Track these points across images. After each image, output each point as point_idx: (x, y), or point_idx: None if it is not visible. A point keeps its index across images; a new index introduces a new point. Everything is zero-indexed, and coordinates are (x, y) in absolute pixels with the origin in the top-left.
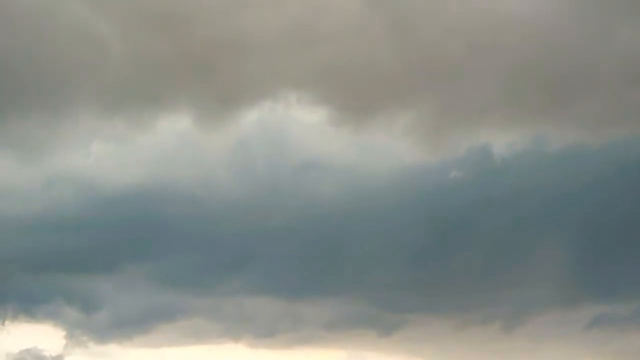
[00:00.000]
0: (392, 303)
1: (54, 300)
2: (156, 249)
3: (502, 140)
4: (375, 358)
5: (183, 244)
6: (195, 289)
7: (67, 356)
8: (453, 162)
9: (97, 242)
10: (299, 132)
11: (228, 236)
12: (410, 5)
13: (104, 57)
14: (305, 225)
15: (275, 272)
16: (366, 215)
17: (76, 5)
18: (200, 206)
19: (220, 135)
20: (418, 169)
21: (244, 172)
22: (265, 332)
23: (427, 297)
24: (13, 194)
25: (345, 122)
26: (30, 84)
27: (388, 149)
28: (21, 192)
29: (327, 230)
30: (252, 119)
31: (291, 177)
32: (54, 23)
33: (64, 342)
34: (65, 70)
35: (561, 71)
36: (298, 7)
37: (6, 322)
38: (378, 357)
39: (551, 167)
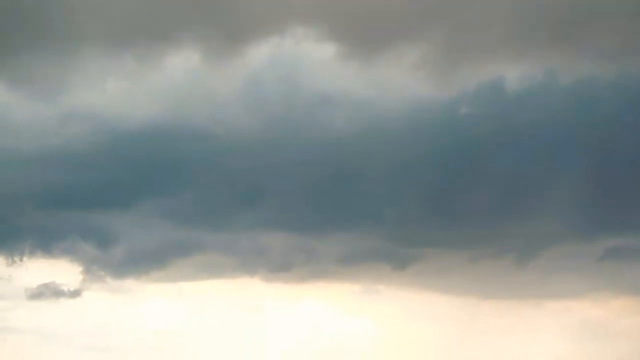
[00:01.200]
0: (405, 237)
1: (71, 236)
2: (171, 185)
3: (513, 75)
4: (389, 291)
5: (197, 179)
6: (210, 224)
7: (85, 290)
8: (465, 94)
9: (112, 178)
10: (307, 67)
11: (242, 171)
12: None
13: None
14: (318, 160)
15: (290, 207)
16: (379, 150)
17: None
18: (213, 142)
19: (230, 71)
20: (429, 103)
21: (255, 107)
22: (280, 266)
23: (440, 231)
24: (28, 131)
25: (353, 57)
26: (39, 22)
27: (398, 84)
28: (36, 130)
29: (339, 165)
30: (260, 55)
31: (302, 112)
32: None
33: (81, 277)
34: (72, 7)
35: (571, 3)
36: None
37: (24, 259)
38: (392, 291)
39: (563, 100)
